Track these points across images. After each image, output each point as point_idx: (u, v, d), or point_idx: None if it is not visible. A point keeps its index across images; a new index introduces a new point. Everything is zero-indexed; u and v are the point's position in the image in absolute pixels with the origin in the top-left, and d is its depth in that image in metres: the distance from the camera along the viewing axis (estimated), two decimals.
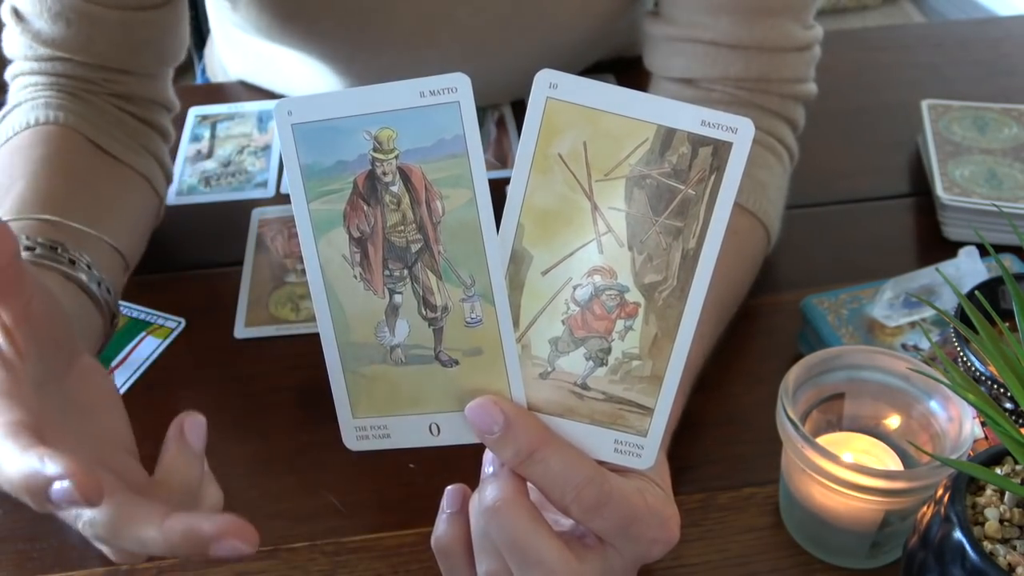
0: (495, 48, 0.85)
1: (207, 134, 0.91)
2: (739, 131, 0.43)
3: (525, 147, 0.44)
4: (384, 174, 0.44)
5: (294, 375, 0.68)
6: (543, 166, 0.44)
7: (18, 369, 0.41)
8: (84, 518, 0.41)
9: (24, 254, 0.56)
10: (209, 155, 0.89)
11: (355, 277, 0.45)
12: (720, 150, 0.43)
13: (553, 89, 0.43)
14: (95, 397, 0.47)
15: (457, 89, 0.42)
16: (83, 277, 0.59)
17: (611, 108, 0.43)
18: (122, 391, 0.67)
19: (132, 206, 0.71)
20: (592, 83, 0.43)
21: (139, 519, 0.40)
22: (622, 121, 0.43)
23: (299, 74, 0.91)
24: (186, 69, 1.22)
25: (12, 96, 0.71)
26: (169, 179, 0.76)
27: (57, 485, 0.37)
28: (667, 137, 0.43)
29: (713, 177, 0.43)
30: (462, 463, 0.61)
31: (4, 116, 0.70)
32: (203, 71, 1.15)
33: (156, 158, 0.74)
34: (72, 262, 0.58)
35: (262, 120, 0.93)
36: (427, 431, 0.46)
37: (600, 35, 0.90)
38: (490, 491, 0.45)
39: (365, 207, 0.44)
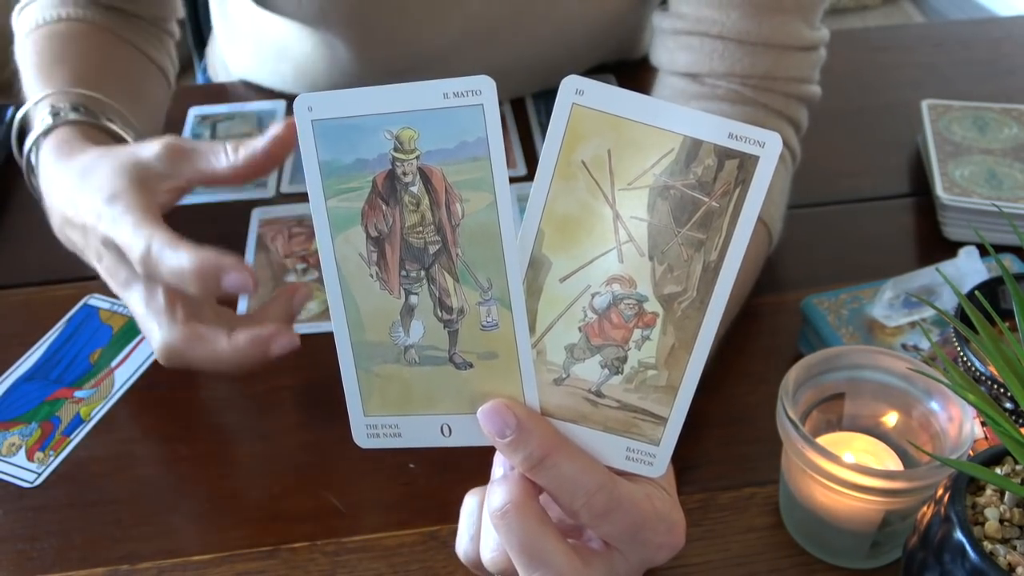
0: (506, 38, 0.85)
1: (207, 134, 0.91)
2: (767, 145, 0.42)
3: (548, 153, 0.43)
4: (404, 174, 0.44)
5: (294, 375, 0.68)
6: (566, 173, 0.43)
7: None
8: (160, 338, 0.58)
9: (71, 115, 0.68)
10: None
11: (371, 276, 0.45)
12: (746, 164, 0.42)
13: (579, 96, 0.42)
14: None
15: (482, 92, 0.42)
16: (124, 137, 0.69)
17: (637, 117, 0.42)
18: (122, 391, 0.67)
19: (155, 96, 0.81)
20: (619, 91, 0.42)
21: (208, 335, 0.57)
22: (648, 130, 0.42)
23: (305, 67, 0.91)
24: (186, 69, 1.22)
25: None
26: (176, 71, 0.85)
27: (234, 273, 0.55)
28: (693, 148, 0.43)
29: (738, 190, 0.43)
30: (462, 463, 0.61)
31: (22, 9, 0.78)
32: (204, 70, 1.15)
33: (167, 52, 0.83)
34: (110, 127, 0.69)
35: (262, 120, 0.93)
36: (438, 432, 0.46)
37: (609, 28, 0.90)
38: (499, 495, 0.45)
39: (384, 207, 0.44)
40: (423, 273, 0.45)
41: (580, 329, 0.45)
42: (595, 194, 0.43)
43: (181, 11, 0.86)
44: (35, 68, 0.72)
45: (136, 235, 0.57)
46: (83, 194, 0.61)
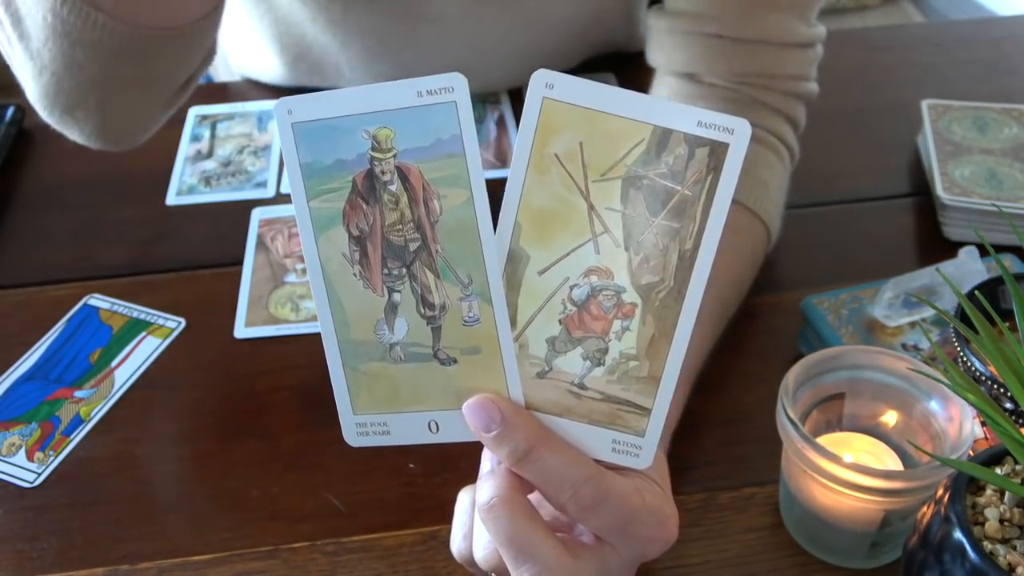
0: (493, 16, 0.85)
1: (207, 134, 0.91)
2: (736, 132, 0.43)
3: (522, 147, 0.44)
4: (383, 173, 0.44)
5: (294, 375, 0.68)
6: (540, 166, 0.44)
7: None
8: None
9: None
10: (209, 155, 0.89)
11: (355, 275, 0.45)
12: (717, 151, 0.43)
13: (549, 89, 0.43)
14: None
15: (454, 89, 0.42)
16: None
17: (607, 108, 0.43)
18: (122, 391, 0.67)
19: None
20: (588, 83, 0.43)
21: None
22: (618, 121, 0.43)
23: (295, 37, 0.90)
24: None
25: None
26: (212, 59, 0.79)
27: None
28: (663, 138, 0.43)
29: (710, 178, 0.43)
30: (461, 463, 0.61)
31: None
32: None
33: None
34: None
35: (262, 120, 0.93)
36: (426, 428, 0.46)
37: (599, 12, 0.90)
38: (486, 489, 0.45)
39: (364, 206, 0.45)
40: (405, 270, 0.45)
41: (560, 322, 0.45)
42: (569, 187, 0.44)
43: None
44: None
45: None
46: None
